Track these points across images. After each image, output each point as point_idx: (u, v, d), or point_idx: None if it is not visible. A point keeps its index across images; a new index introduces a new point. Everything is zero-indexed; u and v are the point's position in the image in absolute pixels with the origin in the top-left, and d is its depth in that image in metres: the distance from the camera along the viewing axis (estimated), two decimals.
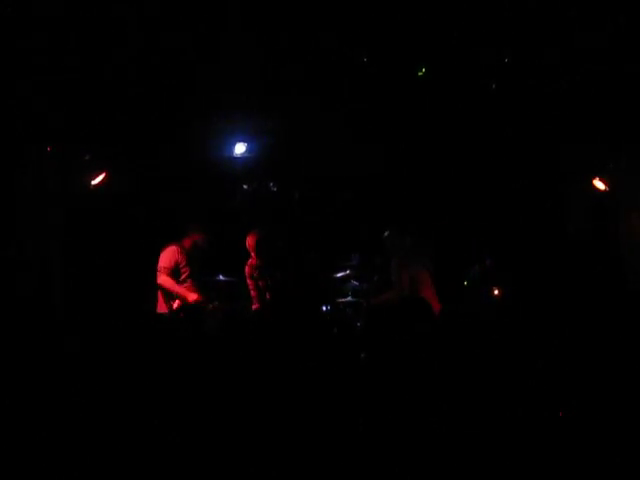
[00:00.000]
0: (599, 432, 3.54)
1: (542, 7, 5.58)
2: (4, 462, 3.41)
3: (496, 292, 7.19)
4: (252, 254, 6.57)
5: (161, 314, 6.21)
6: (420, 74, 6.40)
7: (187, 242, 6.45)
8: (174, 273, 6.24)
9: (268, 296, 6.56)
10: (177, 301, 6.19)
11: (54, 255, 6.26)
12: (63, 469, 3.39)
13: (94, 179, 6.73)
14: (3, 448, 3.50)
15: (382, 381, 3.72)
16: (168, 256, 6.28)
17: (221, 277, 6.94)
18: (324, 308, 6.78)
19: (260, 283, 6.57)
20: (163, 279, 6.23)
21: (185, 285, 6.28)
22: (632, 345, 4.99)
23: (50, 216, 6.29)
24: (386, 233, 6.69)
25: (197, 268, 6.50)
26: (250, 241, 6.54)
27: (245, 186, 7.99)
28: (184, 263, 6.32)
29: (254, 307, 6.56)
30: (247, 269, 6.62)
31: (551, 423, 3.64)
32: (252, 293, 6.61)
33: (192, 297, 6.15)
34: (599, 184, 7.05)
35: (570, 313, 6.13)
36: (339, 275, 7.16)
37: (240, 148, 7.51)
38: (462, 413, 3.52)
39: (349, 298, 7.02)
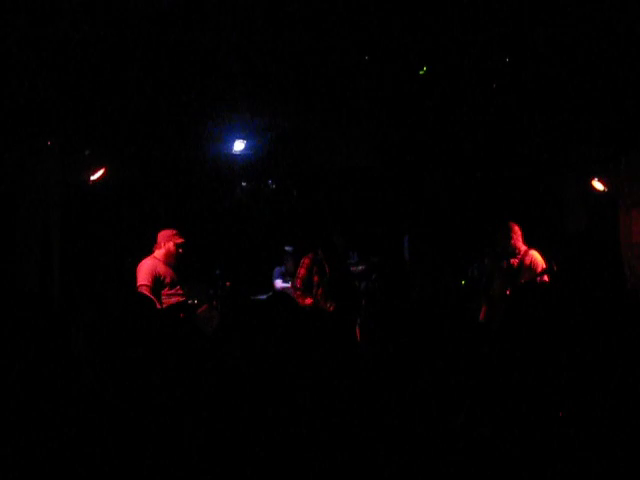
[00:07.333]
0: (600, 431, 3.54)
1: (545, 7, 5.61)
2: (7, 455, 3.39)
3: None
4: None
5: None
6: (422, 72, 6.42)
7: (161, 252, 6.12)
8: (156, 286, 5.96)
9: (320, 291, 6.54)
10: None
11: (54, 248, 6.22)
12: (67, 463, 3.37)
13: (94, 174, 6.69)
14: (7, 438, 3.47)
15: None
16: (145, 271, 5.96)
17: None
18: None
19: (315, 278, 6.57)
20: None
21: (172, 291, 6.15)
22: (632, 343, 5.01)
23: (50, 210, 6.25)
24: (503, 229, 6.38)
25: (180, 271, 6.23)
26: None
27: (244, 183, 7.96)
28: (164, 272, 6.03)
29: (304, 300, 6.48)
30: (307, 261, 6.61)
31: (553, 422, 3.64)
32: (297, 283, 6.58)
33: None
34: (598, 184, 7.09)
35: (569, 311, 6.14)
36: None
37: (239, 145, 7.50)
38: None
39: None
